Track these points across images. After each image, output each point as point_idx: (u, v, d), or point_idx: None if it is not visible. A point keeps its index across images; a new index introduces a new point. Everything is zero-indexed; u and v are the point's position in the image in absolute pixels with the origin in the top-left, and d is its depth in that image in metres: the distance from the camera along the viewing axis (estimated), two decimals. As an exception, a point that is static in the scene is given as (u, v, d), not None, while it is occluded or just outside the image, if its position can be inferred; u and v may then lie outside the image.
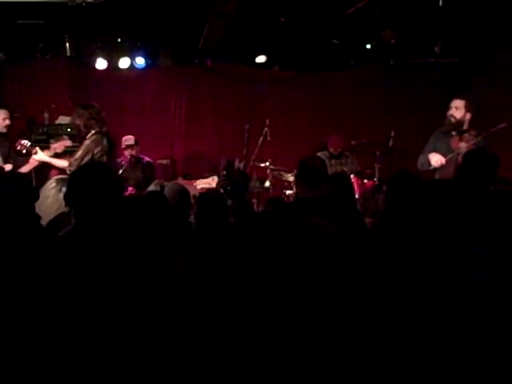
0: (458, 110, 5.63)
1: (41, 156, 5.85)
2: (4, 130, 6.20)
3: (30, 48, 7.75)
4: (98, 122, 5.57)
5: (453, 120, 5.61)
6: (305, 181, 4.07)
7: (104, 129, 5.60)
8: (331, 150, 7.94)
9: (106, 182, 2.68)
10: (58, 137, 7.15)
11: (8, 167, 5.97)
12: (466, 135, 5.53)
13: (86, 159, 5.33)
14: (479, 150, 4.79)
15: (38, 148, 5.88)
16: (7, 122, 6.19)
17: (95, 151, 5.40)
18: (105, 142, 5.52)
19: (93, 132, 5.51)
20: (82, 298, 2.43)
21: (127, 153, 7.41)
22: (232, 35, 7.67)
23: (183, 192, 4.62)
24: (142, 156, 7.70)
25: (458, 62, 8.70)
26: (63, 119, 8.03)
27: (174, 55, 8.40)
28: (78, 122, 5.58)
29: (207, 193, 4.65)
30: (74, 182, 2.73)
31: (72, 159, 5.45)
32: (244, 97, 9.01)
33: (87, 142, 5.46)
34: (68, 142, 6.26)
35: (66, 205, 2.67)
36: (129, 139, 7.50)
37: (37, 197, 2.76)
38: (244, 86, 8.99)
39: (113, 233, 2.61)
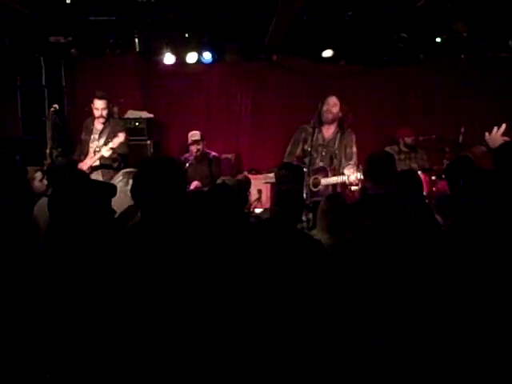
0: None
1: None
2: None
3: (100, 44, 7.97)
4: None
5: None
6: (371, 176, 3.99)
7: None
8: (405, 140, 7.73)
9: (171, 177, 2.70)
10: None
11: None
12: None
13: None
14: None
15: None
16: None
17: None
18: None
19: None
20: (148, 290, 2.47)
21: (193, 148, 7.46)
22: (298, 29, 7.62)
23: (238, 186, 4.59)
24: (208, 151, 7.71)
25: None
26: (132, 113, 8.20)
27: (240, 50, 8.44)
28: None
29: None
30: (140, 178, 2.76)
31: None
32: (310, 91, 8.91)
33: None
34: (122, 138, 6.42)
35: (132, 199, 2.70)
36: (194, 134, 7.52)
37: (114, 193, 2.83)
38: (310, 80, 8.89)
39: (179, 226, 2.64)
